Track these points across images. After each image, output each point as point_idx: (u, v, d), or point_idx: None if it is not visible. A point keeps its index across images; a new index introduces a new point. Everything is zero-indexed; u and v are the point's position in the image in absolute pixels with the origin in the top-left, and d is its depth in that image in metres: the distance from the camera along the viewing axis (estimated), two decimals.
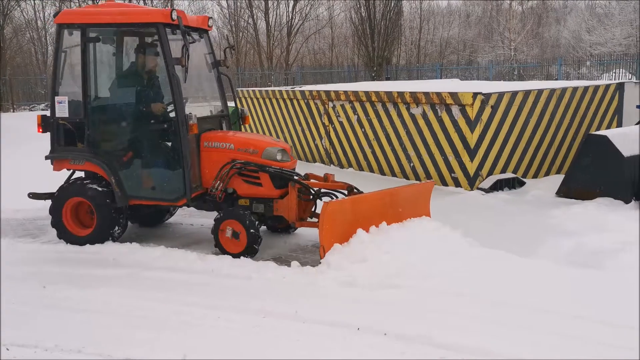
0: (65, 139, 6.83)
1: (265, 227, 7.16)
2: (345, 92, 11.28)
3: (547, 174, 10.02)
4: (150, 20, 6.43)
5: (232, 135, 6.84)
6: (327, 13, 41.30)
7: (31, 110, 26.90)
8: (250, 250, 6.25)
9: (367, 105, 10.78)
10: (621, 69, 24.72)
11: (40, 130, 6.94)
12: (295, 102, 12.79)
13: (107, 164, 6.65)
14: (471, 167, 9.06)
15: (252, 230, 6.23)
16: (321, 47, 43.17)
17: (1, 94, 27.20)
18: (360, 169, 11.23)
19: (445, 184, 9.48)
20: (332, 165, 11.97)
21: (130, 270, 5.93)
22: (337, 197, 6.51)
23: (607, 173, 8.02)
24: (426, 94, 9.58)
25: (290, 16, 36.28)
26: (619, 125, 10.81)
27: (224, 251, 6.36)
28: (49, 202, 7.00)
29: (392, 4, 30.24)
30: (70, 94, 6.81)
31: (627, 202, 7.76)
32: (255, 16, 36.70)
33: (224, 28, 38.48)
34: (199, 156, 6.65)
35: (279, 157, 6.53)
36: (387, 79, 29.06)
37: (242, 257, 6.17)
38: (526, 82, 17.52)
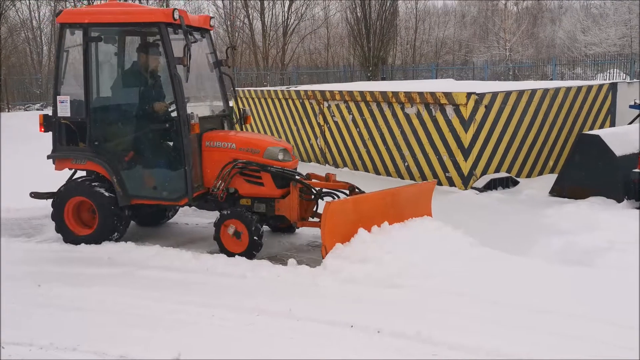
0: (67, 138, 6.84)
1: (267, 226, 7.15)
2: (340, 92, 11.31)
3: (540, 173, 10.07)
4: (153, 19, 6.44)
5: (234, 134, 6.85)
6: (323, 13, 41.43)
7: (26, 110, 26.86)
8: (248, 255, 6.24)
9: (362, 105, 10.82)
10: (615, 69, 24.84)
11: (42, 129, 6.95)
12: (290, 101, 12.82)
13: (109, 163, 6.66)
14: (465, 167, 9.11)
15: (255, 238, 6.23)
16: (317, 47, 43.21)
17: None
18: (355, 168, 11.26)
19: (439, 183, 9.51)
20: (327, 164, 12.00)
21: (125, 269, 5.95)
22: (338, 197, 6.51)
23: (599, 172, 8.08)
24: (420, 94, 9.62)
25: (286, 16, 36.33)
26: (612, 124, 10.88)
27: (222, 247, 6.36)
28: (44, 202, 7.01)
29: (388, 4, 30.26)
30: (72, 94, 6.82)
31: (619, 201, 7.82)
32: (251, 16, 36.74)
33: (220, 28, 38.48)
34: (201, 156, 6.65)
35: (280, 156, 6.53)
36: (383, 79, 29.09)
37: (236, 257, 6.19)
38: (520, 82, 17.60)
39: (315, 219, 6.62)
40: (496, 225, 7.24)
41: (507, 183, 9.29)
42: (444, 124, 9.29)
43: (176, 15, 6.32)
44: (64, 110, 6.75)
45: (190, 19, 6.65)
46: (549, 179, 9.05)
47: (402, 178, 10.18)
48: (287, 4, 36.06)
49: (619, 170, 7.87)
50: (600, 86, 10.68)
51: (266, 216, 6.65)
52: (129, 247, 6.56)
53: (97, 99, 6.86)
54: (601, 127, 10.66)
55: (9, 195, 8.54)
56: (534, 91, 9.66)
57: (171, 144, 6.62)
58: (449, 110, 9.17)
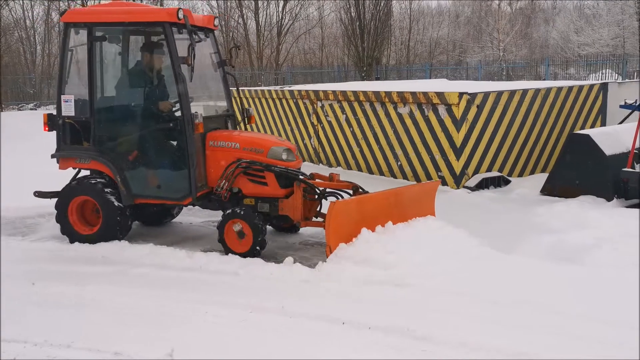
0: (71, 137, 6.85)
1: (270, 226, 7.18)
2: (334, 91, 11.37)
3: (532, 172, 10.16)
4: (157, 19, 6.45)
5: (238, 134, 6.86)
6: (317, 13, 41.44)
7: (20, 110, 26.77)
8: (252, 255, 6.23)
9: (356, 104, 10.88)
10: (608, 69, 24.98)
11: (47, 128, 6.95)
12: (284, 101, 12.87)
13: (113, 162, 6.67)
14: (457, 166, 9.18)
15: (259, 237, 6.24)
16: (311, 47, 43.26)
17: None
18: (349, 168, 11.32)
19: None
20: (320, 164, 12.06)
21: (119, 267, 5.98)
22: (342, 197, 6.52)
23: (589, 171, 8.16)
24: (413, 93, 9.69)
25: (280, 16, 36.36)
26: (603, 124, 10.97)
27: (225, 246, 6.35)
28: (38, 201, 7.02)
29: (382, 4, 30.32)
30: (76, 93, 6.83)
31: (609, 199, 7.91)
32: (245, 16, 36.76)
33: None
34: (205, 155, 6.66)
35: (284, 156, 6.55)
36: (377, 79, 29.16)
37: (229, 255, 6.23)
38: (512, 82, 17.69)
39: (319, 219, 6.63)
40: (488, 224, 7.29)
41: (499, 182, 9.37)
42: (437, 123, 9.36)
43: (180, 15, 6.34)
44: (68, 110, 6.77)
45: (194, 19, 6.66)
46: (540, 178, 9.14)
47: (395, 177, 10.25)
48: (281, 3, 36.09)
49: (609, 169, 7.96)
50: (591, 86, 10.78)
51: (270, 216, 6.65)
52: (122, 245, 6.58)
53: (101, 99, 6.88)
54: (592, 126, 10.75)
55: (6, 194, 8.52)
56: (525, 91, 9.75)
57: (175, 143, 6.64)
58: (442, 110, 9.24)
